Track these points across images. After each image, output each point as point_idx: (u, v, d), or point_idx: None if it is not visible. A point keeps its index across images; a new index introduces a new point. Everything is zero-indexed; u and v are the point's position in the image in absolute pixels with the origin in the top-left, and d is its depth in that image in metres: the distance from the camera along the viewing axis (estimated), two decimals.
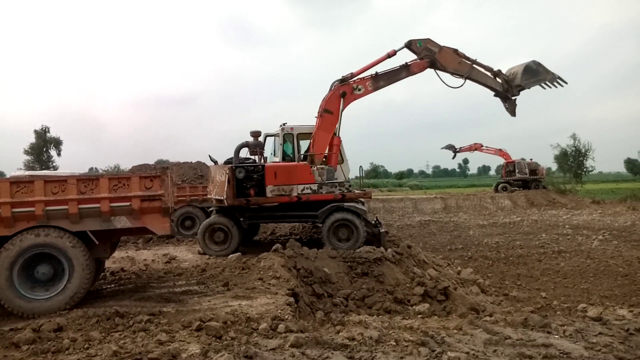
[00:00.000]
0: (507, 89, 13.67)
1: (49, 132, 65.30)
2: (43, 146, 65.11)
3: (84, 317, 5.97)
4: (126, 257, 11.44)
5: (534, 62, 13.66)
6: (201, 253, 12.04)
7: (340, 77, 12.70)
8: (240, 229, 11.91)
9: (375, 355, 4.72)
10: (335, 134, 12.48)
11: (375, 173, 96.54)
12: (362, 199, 13.19)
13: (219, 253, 11.62)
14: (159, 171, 7.15)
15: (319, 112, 12.59)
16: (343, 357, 4.75)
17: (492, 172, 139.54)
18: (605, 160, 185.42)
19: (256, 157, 12.49)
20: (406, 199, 35.36)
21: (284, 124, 12.81)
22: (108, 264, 9.85)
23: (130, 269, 9.87)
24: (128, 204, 6.84)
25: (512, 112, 14.08)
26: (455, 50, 13.24)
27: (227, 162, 12.16)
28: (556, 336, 5.41)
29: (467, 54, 13.44)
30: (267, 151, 13.03)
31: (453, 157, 45.41)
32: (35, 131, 64.60)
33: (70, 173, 8.25)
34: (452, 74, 13.25)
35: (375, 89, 12.79)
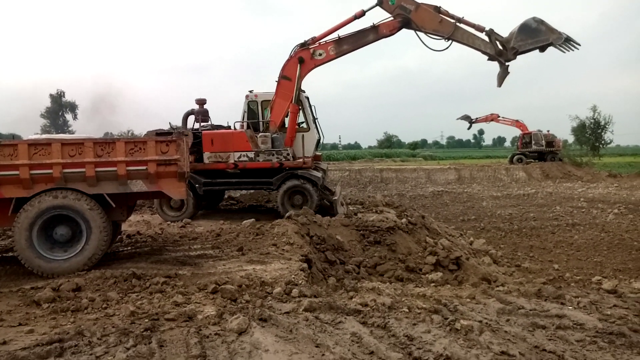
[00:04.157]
0: (500, 52, 11.64)
1: (64, 97, 65.81)
2: (59, 110, 65.69)
3: (101, 277, 6.11)
4: (142, 220, 11.61)
5: (534, 19, 11.39)
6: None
7: (301, 42, 11.96)
8: (197, 196, 12.00)
9: (388, 322, 4.76)
10: (292, 101, 11.91)
11: (389, 143, 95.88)
12: (322, 167, 13.12)
13: (175, 219, 11.74)
14: (175, 136, 7.15)
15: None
16: (356, 322, 4.80)
17: (507, 144, 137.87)
18: (625, 133, 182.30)
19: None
20: (419, 169, 35.14)
21: (250, 91, 12.61)
22: (124, 227, 10.01)
23: (146, 233, 10.02)
24: (144, 167, 6.89)
25: (499, 81, 11.99)
26: (437, 8, 11.66)
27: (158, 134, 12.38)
28: (570, 307, 5.41)
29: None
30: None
31: (469, 128, 44.85)
32: (51, 95, 65.15)
33: (87, 136, 8.30)
34: (431, 34, 11.65)
35: (339, 53, 11.90)
